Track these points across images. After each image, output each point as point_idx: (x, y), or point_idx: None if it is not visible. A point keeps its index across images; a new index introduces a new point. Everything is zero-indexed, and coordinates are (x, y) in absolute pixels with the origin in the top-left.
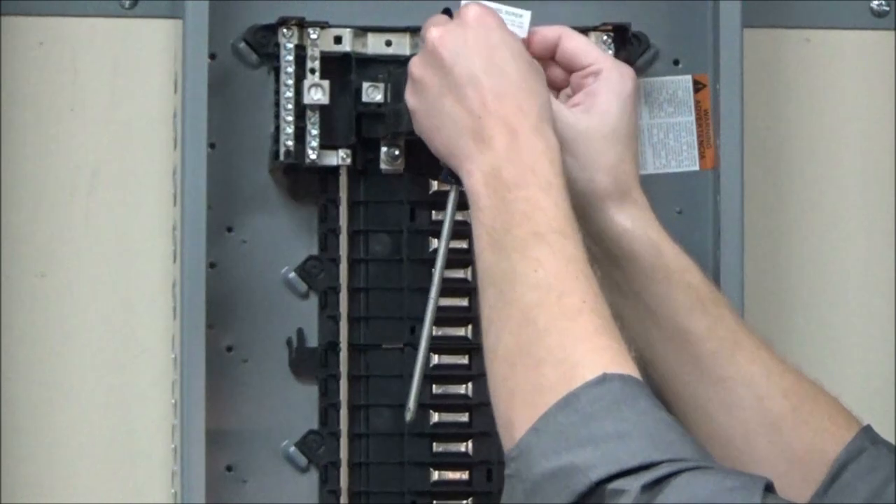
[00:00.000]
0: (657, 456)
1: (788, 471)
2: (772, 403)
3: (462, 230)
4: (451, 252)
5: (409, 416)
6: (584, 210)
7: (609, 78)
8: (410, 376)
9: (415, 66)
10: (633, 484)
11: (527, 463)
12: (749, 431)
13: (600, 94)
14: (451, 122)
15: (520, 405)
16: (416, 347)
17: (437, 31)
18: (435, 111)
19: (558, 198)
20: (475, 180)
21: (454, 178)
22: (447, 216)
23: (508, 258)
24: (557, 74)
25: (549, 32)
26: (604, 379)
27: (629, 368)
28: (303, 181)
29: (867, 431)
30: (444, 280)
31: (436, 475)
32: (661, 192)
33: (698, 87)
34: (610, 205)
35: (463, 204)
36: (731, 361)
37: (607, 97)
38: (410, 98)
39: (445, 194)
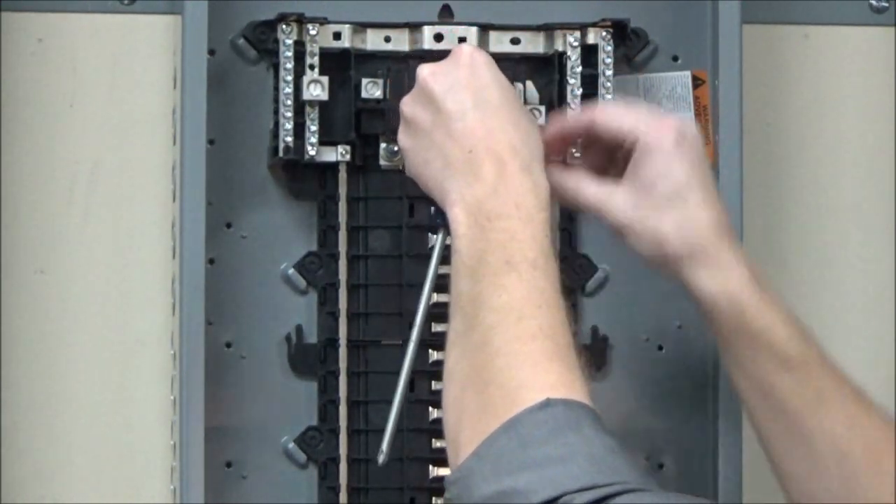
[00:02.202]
0: (600, 479)
1: None
2: (853, 457)
3: None
4: (449, 248)
5: (381, 458)
6: (666, 274)
7: (646, 143)
8: (385, 419)
9: (406, 105)
10: None
11: (467, 487)
12: (830, 485)
13: (640, 167)
14: (441, 157)
15: (466, 428)
16: (417, 345)
17: (428, 69)
18: (425, 147)
19: (537, 231)
20: (458, 210)
21: (442, 219)
22: (432, 262)
23: (478, 284)
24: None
25: (583, 115)
26: (547, 404)
27: (578, 394)
28: (302, 177)
29: None
30: (445, 276)
31: (434, 471)
32: None
33: (697, 83)
34: (684, 268)
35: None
36: (815, 418)
37: (648, 167)
38: (402, 138)
39: None
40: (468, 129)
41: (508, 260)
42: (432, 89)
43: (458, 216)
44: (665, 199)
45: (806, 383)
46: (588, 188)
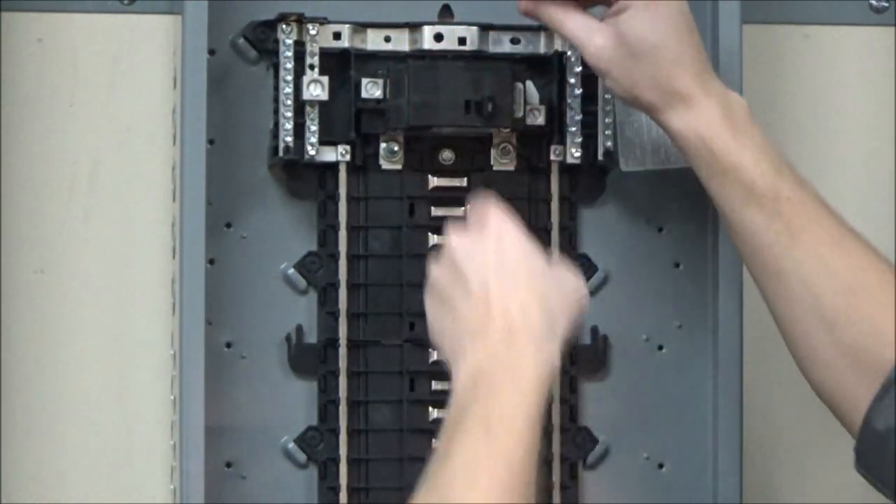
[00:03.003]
0: None
1: (848, 371)
2: (827, 301)
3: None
4: None
5: None
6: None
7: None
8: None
9: (433, 270)
10: None
11: None
12: (807, 328)
13: (620, 13)
14: (457, 320)
15: None
16: (415, 344)
17: (455, 238)
18: (444, 311)
19: (527, 401)
20: (460, 368)
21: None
22: None
23: (452, 437)
24: None
25: None
26: None
27: None
28: (302, 177)
29: None
30: None
31: None
32: (660, 188)
33: None
34: (655, 111)
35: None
36: (788, 256)
37: (627, 15)
38: (427, 302)
39: (445, 189)
40: (485, 295)
41: (486, 416)
42: (456, 257)
43: (458, 375)
44: (640, 50)
45: (776, 220)
46: (572, 20)
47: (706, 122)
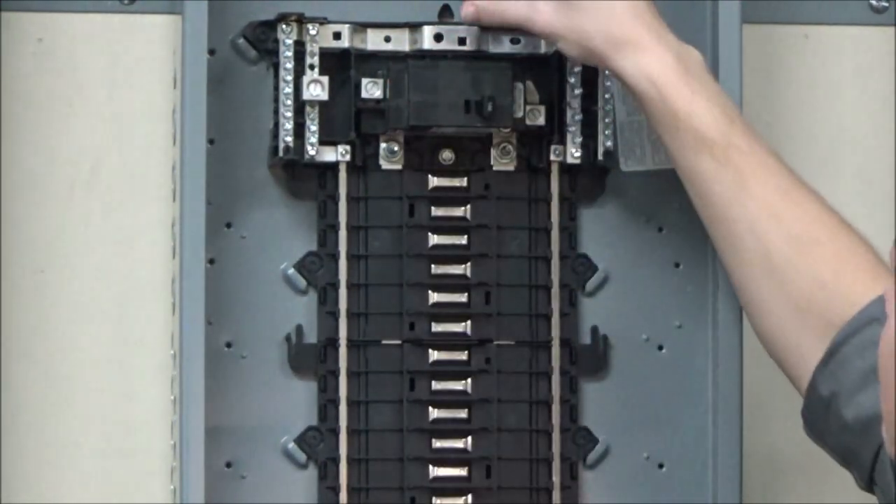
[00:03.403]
0: None
1: (794, 322)
2: (774, 250)
3: (462, 226)
4: (449, 248)
5: None
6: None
7: None
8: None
9: None
10: None
11: None
12: (756, 277)
13: None
14: None
15: None
16: (415, 344)
17: None
18: None
19: None
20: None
21: None
22: None
23: None
24: None
25: None
26: None
27: None
28: (302, 177)
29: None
30: (445, 276)
31: (435, 471)
32: (660, 188)
33: None
34: (609, 60)
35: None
36: (737, 204)
37: None
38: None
39: (445, 189)
40: None
41: None
42: None
43: None
44: (581, 2)
45: (727, 168)
46: (511, 6)
47: (659, 67)
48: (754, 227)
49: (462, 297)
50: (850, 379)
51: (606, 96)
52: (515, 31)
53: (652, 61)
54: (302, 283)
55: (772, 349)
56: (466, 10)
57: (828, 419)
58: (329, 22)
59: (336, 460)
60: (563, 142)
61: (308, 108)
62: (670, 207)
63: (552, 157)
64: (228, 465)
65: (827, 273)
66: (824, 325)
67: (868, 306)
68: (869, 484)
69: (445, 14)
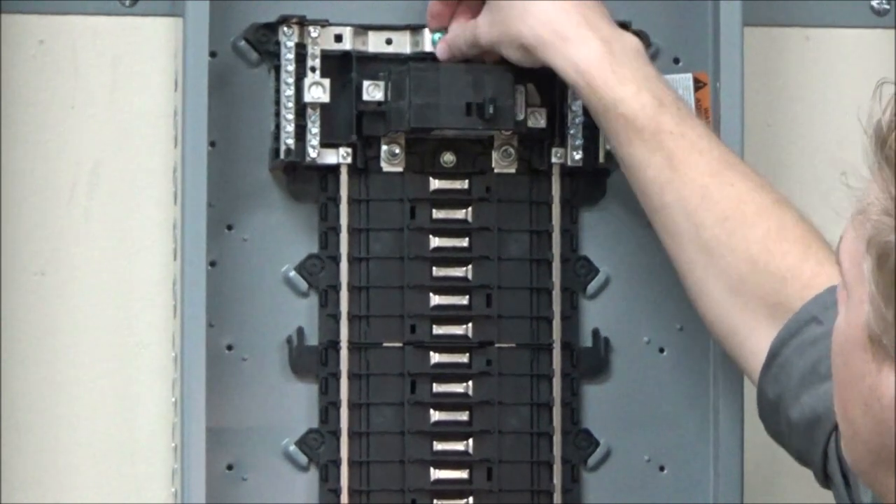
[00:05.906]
0: None
1: (730, 302)
2: (706, 231)
3: (464, 228)
4: (450, 251)
5: None
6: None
7: None
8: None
9: None
10: None
11: None
12: (692, 260)
13: None
14: None
15: None
16: (416, 346)
17: None
18: None
19: None
20: None
21: None
22: None
23: None
24: None
25: None
26: None
27: None
28: (303, 179)
29: (830, 293)
30: (446, 278)
31: (436, 474)
32: None
33: (698, 85)
34: (544, 55)
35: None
36: (670, 188)
37: None
38: None
39: (446, 191)
40: None
41: None
42: None
43: None
44: (510, 6)
45: (658, 153)
46: (461, 33)
47: (584, 57)
48: (687, 208)
49: (463, 300)
50: (793, 380)
51: None
52: (486, 53)
53: (578, 52)
54: (303, 285)
55: (715, 333)
56: (440, 50)
57: (779, 421)
58: (330, 24)
59: (337, 462)
60: (564, 144)
61: (309, 111)
62: None
63: (553, 160)
64: (230, 467)
65: (757, 252)
66: (759, 304)
67: (806, 305)
68: (825, 481)
69: None
